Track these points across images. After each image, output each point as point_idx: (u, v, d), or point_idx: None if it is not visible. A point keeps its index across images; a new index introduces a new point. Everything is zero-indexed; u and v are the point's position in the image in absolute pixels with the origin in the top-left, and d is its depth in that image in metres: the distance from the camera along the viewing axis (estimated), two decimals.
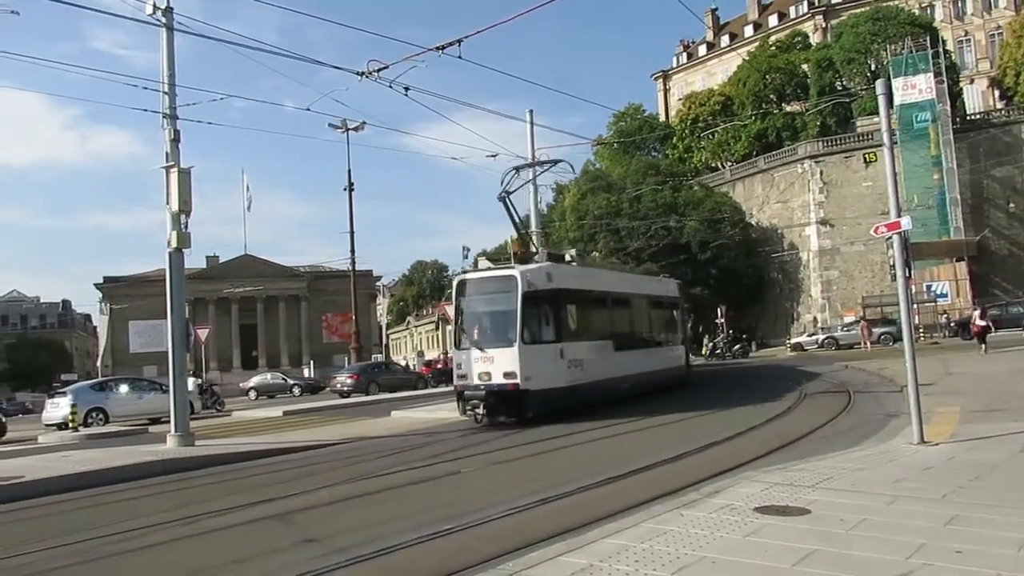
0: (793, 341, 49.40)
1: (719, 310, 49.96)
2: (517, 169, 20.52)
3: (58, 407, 26.11)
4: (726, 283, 52.61)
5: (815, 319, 53.24)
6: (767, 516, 6.48)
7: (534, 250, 20.75)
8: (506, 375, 16.25)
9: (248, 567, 6.63)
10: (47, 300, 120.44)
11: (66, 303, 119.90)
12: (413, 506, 8.94)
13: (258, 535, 7.78)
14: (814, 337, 48.39)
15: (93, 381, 34.65)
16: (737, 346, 47.86)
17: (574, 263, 21.30)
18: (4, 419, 27.12)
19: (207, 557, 7.10)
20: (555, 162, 22.55)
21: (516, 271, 17.05)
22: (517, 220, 19.69)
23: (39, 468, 13.08)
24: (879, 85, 10.95)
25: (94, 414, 25.37)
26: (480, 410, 16.52)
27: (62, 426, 24.69)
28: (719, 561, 5.28)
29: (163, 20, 16.18)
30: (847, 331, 46.40)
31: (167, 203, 16.18)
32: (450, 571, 5.80)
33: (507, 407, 16.56)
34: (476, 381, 16.59)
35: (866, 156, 52.06)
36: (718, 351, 47.38)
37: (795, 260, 56.22)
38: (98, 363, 76.20)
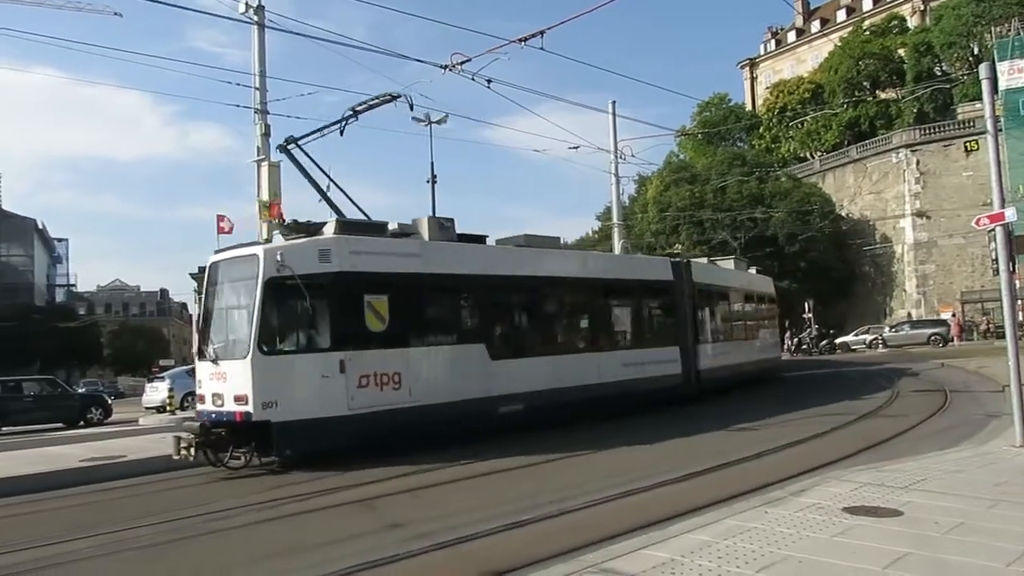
0: (840, 340, 46.91)
1: (806, 304, 48.52)
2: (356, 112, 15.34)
3: (156, 391, 27.50)
4: (814, 277, 51.02)
5: (909, 314, 51.14)
6: (856, 517, 6.29)
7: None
8: (237, 399, 11.41)
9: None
10: (147, 289, 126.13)
11: (164, 291, 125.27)
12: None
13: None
14: (863, 337, 46.48)
15: (189, 367, 36.17)
16: (824, 341, 46.35)
17: (414, 236, 14.15)
18: (110, 402, 28.70)
19: (310, 535, 7.35)
20: (392, 97, 15.22)
21: (258, 250, 12.22)
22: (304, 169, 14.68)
23: (139, 448, 13.84)
24: (983, 69, 10.42)
25: (189, 398, 26.50)
26: (183, 445, 11.27)
27: (160, 409, 25.95)
28: (805, 561, 5.15)
29: (255, 18, 16.75)
30: (895, 332, 45.12)
31: (258, 195, 16.75)
32: (531, 560, 5.83)
33: (243, 443, 11.42)
34: (210, 406, 11.90)
35: (967, 144, 49.52)
36: (804, 346, 46.09)
37: (888, 253, 54.13)
38: (192, 349, 79.32)
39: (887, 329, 46.15)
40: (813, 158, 63.65)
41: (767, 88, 74.45)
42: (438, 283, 13.88)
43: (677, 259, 20.71)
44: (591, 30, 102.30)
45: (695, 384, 19.39)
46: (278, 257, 11.64)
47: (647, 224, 53.05)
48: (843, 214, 56.38)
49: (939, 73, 56.99)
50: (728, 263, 25.94)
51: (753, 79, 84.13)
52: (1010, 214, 9.92)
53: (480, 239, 15.60)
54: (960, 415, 14.29)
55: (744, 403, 18.99)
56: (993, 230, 10.07)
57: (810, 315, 48.72)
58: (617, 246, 27.79)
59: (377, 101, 15.10)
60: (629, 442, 12.78)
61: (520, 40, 15.92)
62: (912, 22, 66.12)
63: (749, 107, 77.95)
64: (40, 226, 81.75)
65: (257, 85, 16.83)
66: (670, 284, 19.39)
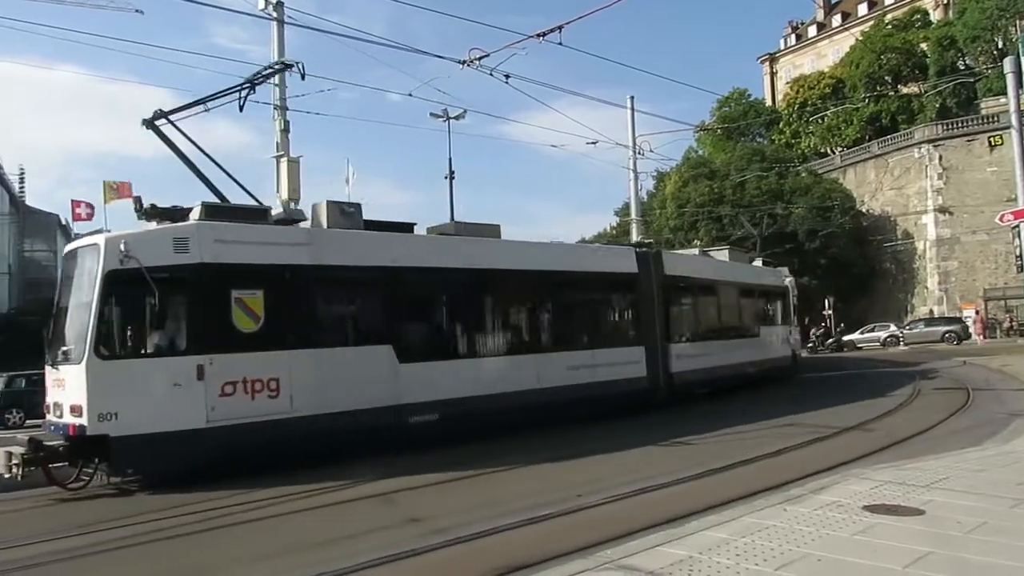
0: (847, 338, 45.95)
1: (827, 301, 48.09)
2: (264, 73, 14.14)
3: None
4: (835, 273, 50.55)
5: (931, 311, 50.59)
6: (877, 515, 6.23)
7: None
8: (72, 409, 10.07)
9: None
10: None
11: None
12: None
13: None
14: (875, 335, 45.59)
15: None
16: (830, 339, 45.82)
17: (304, 223, 12.83)
18: None
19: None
20: (285, 66, 14.65)
21: (100, 238, 10.69)
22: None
23: None
24: (1007, 63, 10.32)
25: None
26: (14, 462, 9.76)
27: None
28: (825, 559, 5.11)
29: (274, 14, 16.84)
30: (910, 329, 44.60)
31: (277, 191, 16.87)
32: (548, 556, 5.83)
33: (88, 460, 10.13)
34: (51, 417, 10.75)
35: (991, 139, 48.91)
36: (810, 344, 45.67)
37: (910, 250, 53.54)
38: None
39: (906, 327, 45.48)
40: (834, 153, 63.06)
41: (787, 83, 73.79)
42: (332, 276, 12.13)
43: (644, 249, 18.22)
44: (609, 25, 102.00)
45: (665, 387, 17.31)
46: (121, 247, 10.04)
47: (665, 220, 52.81)
48: (864, 210, 55.82)
49: (962, 67, 56.24)
50: (722, 254, 23.85)
51: (773, 74, 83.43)
52: None
53: (405, 227, 14.05)
54: (983, 414, 14.13)
55: (745, 404, 18.21)
56: (1017, 226, 9.95)
57: (830, 312, 48.31)
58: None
59: (271, 71, 14.11)
60: (643, 443, 12.74)
61: (538, 35, 15.89)
62: (935, 16, 65.29)
63: (769, 102, 77.35)
64: (63, 222, 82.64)
65: (276, 81, 16.92)
66: (634, 277, 17.08)
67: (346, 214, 12.78)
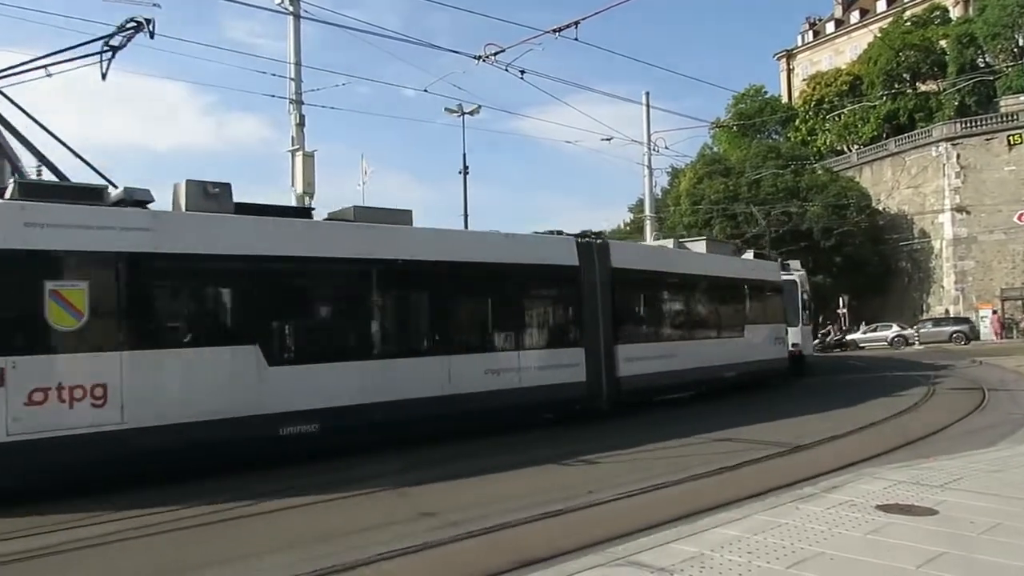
0: (850, 337, 45.57)
1: (841, 300, 47.86)
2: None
3: None
4: (850, 272, 50.30)
5: (947, 311, 50.27)
6: (890, 514, 6.21)
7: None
8: None
9: None
10: None
11: None
12: None
13: None
14: (879, 335, 45.22)
15: None
16: (831, 337, 45.50)
17: (153, 205, 10.55)
18: None
19: None
20: (137, 24, 11.67)
21: None
22: None
23: None
24: None
25: None
26: None
27: None
28: (837, 558, 5.11)
29: (290, 8, 16.90)
30: (918, 329, 44.62)
31: (292, 185, 16.95)
32: (560, 551, 5.85)
33: None
34: None
35: (1010, 138, 48.50)
36: (815, 342, 45.44)
37: (926, 249, 53.16)
38: None
39: (915, 328, 45.26)
40: (850, 151, 62.66)
41: (804, 80, 73.37)
42: (181, 266, 10.44)
43: (587, 239, 15.91)
44: (626, 20, 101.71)
45: (609, 394, 15.28)
46: None
47: (679, 217, 52.68)
48: (880, 208, 55.46)
49: (982, 65, 55.75)
50: (699, 245, 21.60)
51: (790, 71, 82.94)
52: None
53: (302, 212, 12.75)
54: (998, 414, 14.04)
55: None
56: None
57: (844, 311, 48.07)
58: (649, 238, 27.47)
59: (125, 30, 11.56)
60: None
61: (554, 31, 15.93)
62: (955, 12, 64.68)
63: (785, 99, 76.93)
64: None
65: (292, 75, 17.01)
66: (574, 271, 15.07)
67: (210, 196, 11.01)
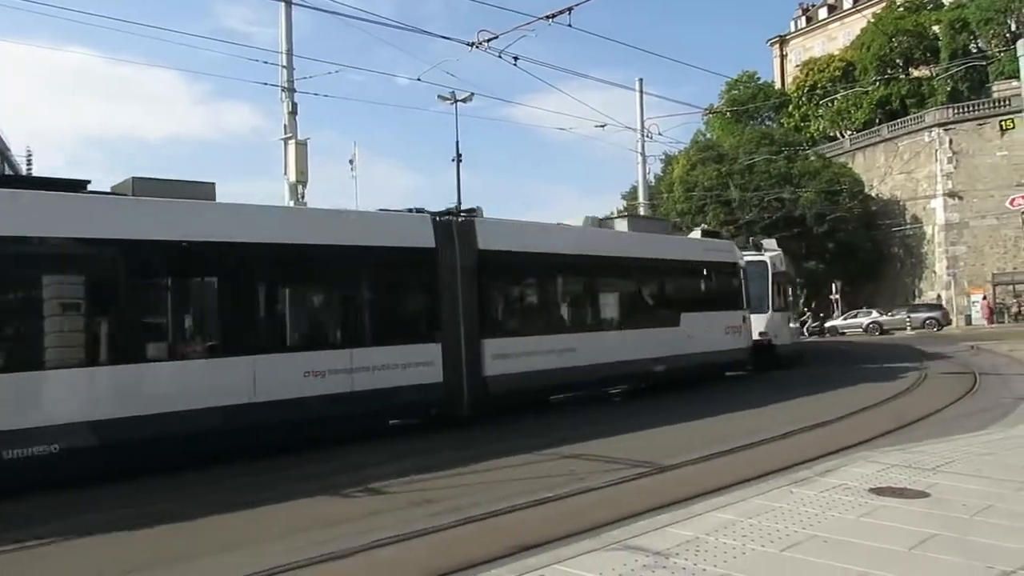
0: (829, 324, 46.30)
1: (833, 286, 48.05)
2: None
3: None
4: (842, 258, 50.47)
5: (939, 296, 50.52)
6: (883, 497, 6.27)
7: None
8: None
9: None
10: None
11: None
12: None
13: None
14: (858, 321, 46.06)
15: None
16: (813, 323, 45.79)
17: None
18: None
19: None
20: None
21: None
22: None
23: None
24: (1020, 45, 10.27)
25: None
26: None
27: None
28: (831, 541, 5.16)
29: None
30: (892, 316, 45.59)
31: (285, 173, 16.91)
32: (554, 537, 5.90)
33: None
34: None
35: (1003, 123, 48.55)
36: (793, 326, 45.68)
37: (918, 234, 53.33)
38: None
39: (885, 315, 46.44)
40: (843, 137, 62.70)
41: (797, 66, 73.31)
42: None
43: (448, 216, 13.95)
44: (619, 7, 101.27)
45: (473, 396, 13.22)
46: None
47: (673, 204, 52.66)
48: (873, 194, 55.57)
49: (975, 50, 55.75)
50: (621, 223, 18.88)
51: (783, 57, 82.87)
52: None
53: (74, 185, 10.07)
54: (990, 398, 14.16)
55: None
56: None
57: (837, 296, 48.29)
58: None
59: None
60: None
61: (547, 17, 15.90)
62: None
63: (778, 85, 76.86)
64: None
65: (284, 63, 16.93)
66: (429, 253, 12.95)
67: None
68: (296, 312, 12.12)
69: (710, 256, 20.09)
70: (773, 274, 22.66)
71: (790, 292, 26.58)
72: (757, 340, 21.29)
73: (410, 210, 13.40)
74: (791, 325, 23.90)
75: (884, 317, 45.63)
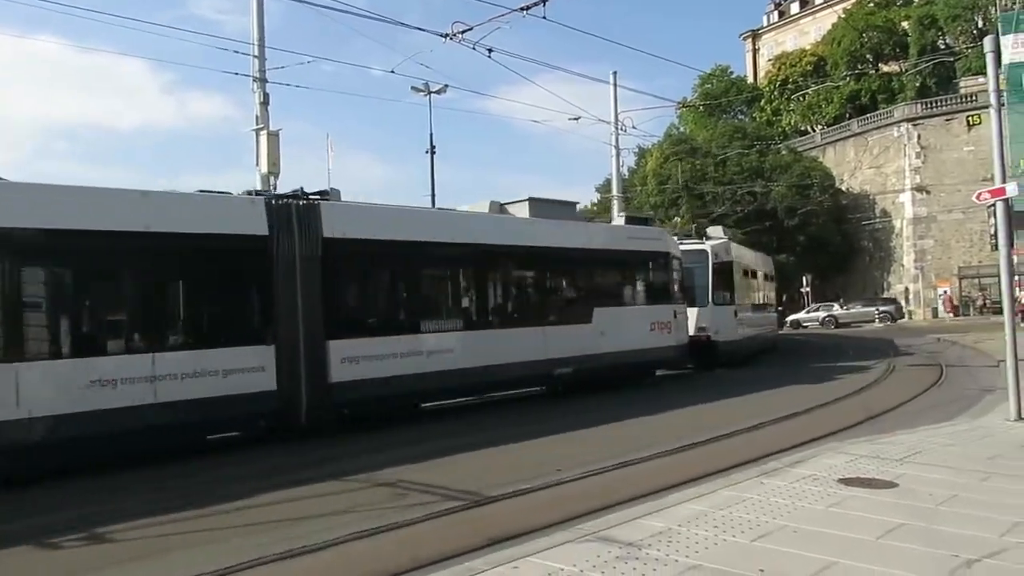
0: (792, 317, 47.26)
1: (804, 279, 48.62)
2: None
3: None
4: (813, 251, 51.06)
5: (906, 289, 51.33)
6: (851, 488, 6.37)
7: None
8: None
9: None
10: None
11: None
12: None
13: None
14: (816, 314, 47.21)
15: None
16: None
17: None
18: None
19: None
20: None
21: None
22: None
23: None
24: (987, 42, 10.38)
25: None
26: None
27: None
28: (800, 531, 5.23)
29: None
30: (847, 309, 46.82)
31: (257, 165, 16.71)
32: (530, 528, 5.91)
33: None
34: None
35: (969, 119, 49.19)
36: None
37: (887, 228, 54.08)
38: None
39: (836, 308, 47.55)
40: (814, 131, 63.35)
41: (769, 60, 73.91)
42: None
43: (288, 201, 11.93)
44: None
45: (315, 405, 11.41)
46: None
47: (647, 197, 52.88)
48: (843, 188, 56.23)
49: (943, 46, 56.53)
50: (521, 207, 16.37)
51: (756, 51, 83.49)
52: (1011, 189, 9.93)
53: None
54: (955, 389, 14.40)
55: None
56: (993, 205, 10.08)
57: (808, 289, 48.82)
58: (617, 219, 26.00)
59: None
60: None
61: (522, 9, 15.82)
62: None
63: (751, 79, 77.43)
64: None
65: (256, 53, 16.71)
66: (258, 242, 11.12)
67: None
68: (78, 311, 10.06)
69: (634, 245, 17.96)
70: (714, 264, 20.89)
71: (752, 284, 25.51)
72: (696, 336, 19.66)
73: (250, 192, 11.84)
74: (738, 319, 22.05)
75: (840, 311, 46.77)
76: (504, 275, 15.30)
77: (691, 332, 19.39)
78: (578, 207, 23.79)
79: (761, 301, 27.36)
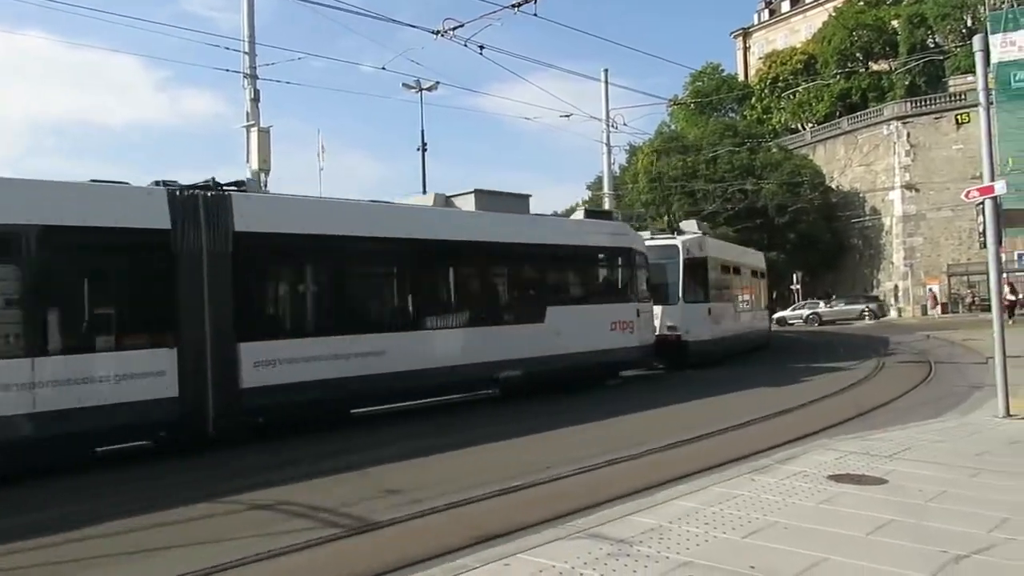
0: (777, 315, 47.68)
1: (794, 276, 48.82)
2: None
3: None
4: (803, 249, 51.29)
5: (896, 287, 51.60)
6: (841, 484, 6.39)
7: None
8: None
9: None
10: None
11: None
12: None
13: None
14: (801, 312, 47.66)
15: None
16: None
17: None
18: None
19: None
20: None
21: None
22: None
23: None
24: (976, 41, 10.42)
25: None
26: None
27: None
28: (791, 527, 5.24)
29: None
30: (830, 307, 47.34)
31: (247, 161, 16.68)
32: (521, 526, 5.91)
33: None
34: None
35: (958, 117, 49.33)
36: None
37: (877, 226, 54.35)
38: None
39: (821, 305, 47.99)
40: (804, 129, 63.58)
41: (760, 58, 74.11)
42: None
43: (192, 190, 10.80)
44: None
45: (223, 413, 10.42)
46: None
47: (638, 194, 52.96)
48: (833, 186, 56.48)
49: (932, 45, 56.82)
50: (467, 199, 15.11)
51: (746, 49, 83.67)
52: (1000, 187, 9.98)
53: None
54: (945, 386, 14.47)
55: None
56: (982, 203, 10.13)
57: (798, 287, 49.03)
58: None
59: None
60: None
61: (513, 6, 15.82)
62: None
63: (742, 77, 77.62)
64: None
65: (246, 50, 16.66)
66: (158, 236, 10.22)
67: None
68: None
69: (593, 240, 17.13)
70: (686, 260, 19.87)
71: (734, 280, 24.47)
72: (664, 335, 18.92)
73: (158, 183, 10.70)
74: (713, 317, 20.92)
75: (823, 308, 47.16)
76: (443, 272, 14.37)
77: (661, 331, 18.79)
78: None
79: (747, 298, 26.39)
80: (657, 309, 18.69)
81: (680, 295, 19.64)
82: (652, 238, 20.47)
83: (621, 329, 16.82)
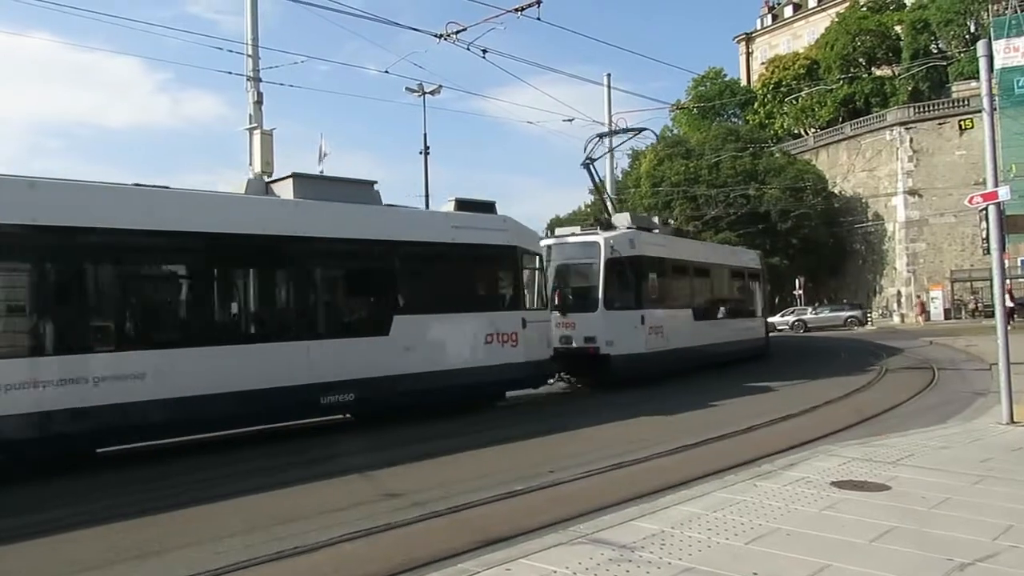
0: (769, 320, 47.99)
1: (797, 281, 48.81)
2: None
3: None
4: (806, 254, 51.28)
5: (899, 292, 51.54)
6: (844, 491, 6.37)
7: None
8: None
9: None
10: None
11: None
12: None
13: None
14: (787, 319, 47.67)
15: None
16: None
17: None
18: None
19: None
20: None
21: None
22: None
23: None
24: (980, 46, 10.41)
25: None
26: None
27: None
28: (794, 533, 5.22)
29: None
30: (816, 314, 47.52)
31: (250, 164, 16.71)
32: (524, 530, 5.89)
33: None
34: None
35: (962, 123, 49.56)
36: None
37: (880, 231, 54.30)
38: None
39: (809, 312, 48.03)
40: (807, 134, 63.57)
41: (763, 63, 74.12)
42: None
43: None
44: (588, 1, 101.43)
45: None
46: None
47: (639, 199, 52.97)
48: (836, 191, 56.45)
49: (935, 51, 56.80)
50: (285, 186, 12.43)
51: (749, 54, 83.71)
52: (1003, 193, 9.96)
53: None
54: (948, 393, 14.44)
55: None
56: (985, 209, 10.11)
57: (800, 291, 49.02)
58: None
59: None
60: None
61: (516, 10, 15.85)
62: None
63: (744, 82, 77.63)
64: None
65: (250, 53, 16.71)
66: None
67: None
68: None
69: (462, 236, 13.95)
70: (609, 260, 17.04)
71: (699, 284, 21.73)
72: (582, 347, 16.68)
73: None
74: (651, 327, 17.84)
75: (809, 315, 47.25)
76: (241, 273, 11.54)
77: (578, 343, 16.65)
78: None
79: (728, 304, 23.35)
80: (580, 318, 16.74)
81: (600, 301, 16.96)
82: (572, 235, 18.44)
83: (501, 342, 14.18)
